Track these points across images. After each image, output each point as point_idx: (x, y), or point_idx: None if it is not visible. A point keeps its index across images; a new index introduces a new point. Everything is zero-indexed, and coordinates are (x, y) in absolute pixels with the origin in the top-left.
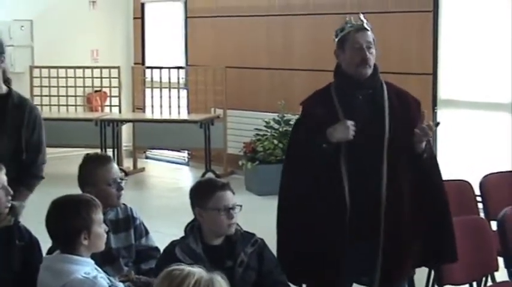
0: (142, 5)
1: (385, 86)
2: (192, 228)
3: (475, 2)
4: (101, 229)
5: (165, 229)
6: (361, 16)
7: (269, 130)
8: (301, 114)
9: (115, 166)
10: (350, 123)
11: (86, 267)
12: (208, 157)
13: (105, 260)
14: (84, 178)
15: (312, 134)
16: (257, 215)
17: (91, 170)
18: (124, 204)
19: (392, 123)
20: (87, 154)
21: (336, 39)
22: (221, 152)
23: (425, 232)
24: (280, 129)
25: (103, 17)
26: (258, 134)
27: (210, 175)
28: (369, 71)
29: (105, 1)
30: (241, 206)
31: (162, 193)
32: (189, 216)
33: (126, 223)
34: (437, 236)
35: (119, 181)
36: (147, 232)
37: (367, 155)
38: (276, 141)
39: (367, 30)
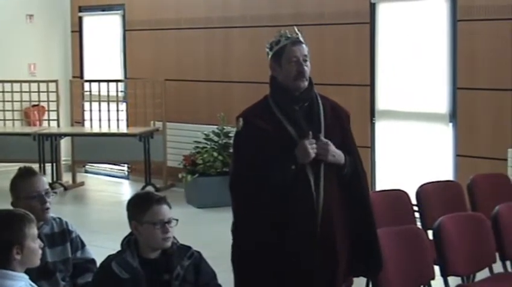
0: (80, 18)
1: (320, 99)
2: (128, 242)
3: (411, 13)
4: (34, 244)
5: (105, 243)
6: (296, 29)
7: (209, 143)
8: (242, 127)
9: (40, 179)
10: (307, 143)
11: (20, 282)
12: (148, 170)
13: (41, 274)
14: (11, 192)
15: (274, 156)
16: (197, 228)
17: (15, 184)
18: (59, 218)
19: (327, 136)
20: (19, 168)
21: (271, 52)
22: (161, 165)
23: (352, 244)
24: (220, 142)
25: (40, 30)
26: (197, 147)
27: (149, 188)
28: (306, 84)
29: (42, 14)
30: (177, 220)
31: (102, 207)
32: (129, 230)
33: (62, 237)
34: (363, 248)
35: (43, 194)
36: (83, 245)
37: (309, 168)
38: (215, 154)
39: (303, 43)
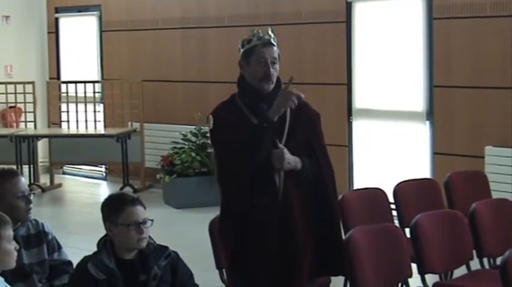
0: (57, 19)
1: None
2: (104, 243)
3: (388, 12)
4: (10, 246)
5: (83, 244)
6: (269, 30)
7: (186, 143)
8: (213, 124)
9: (22, 179)
10: (285, 151)
11: None
12: (126, 171)
13: (17, 276)
14: None
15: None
16: (175, 228)
17: None
18: (35, 219)
19: (290, 134)
20: (2, 169)
21: (242, 50)
22: (139, 166)
23: (315, 247)
24: (198, 142)
25: (17, 31)
26: (175, 147)
27: (127, 189)
28: (271, 86)
29: (18, 16)
30: (152, 220)
31: (80, 208)
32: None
33: (38, 238)
34: (326, 251)
35: (27, 194)
36: (59, 247)
37: (269, 166)
38: (193, 154)
39: (274, 45)
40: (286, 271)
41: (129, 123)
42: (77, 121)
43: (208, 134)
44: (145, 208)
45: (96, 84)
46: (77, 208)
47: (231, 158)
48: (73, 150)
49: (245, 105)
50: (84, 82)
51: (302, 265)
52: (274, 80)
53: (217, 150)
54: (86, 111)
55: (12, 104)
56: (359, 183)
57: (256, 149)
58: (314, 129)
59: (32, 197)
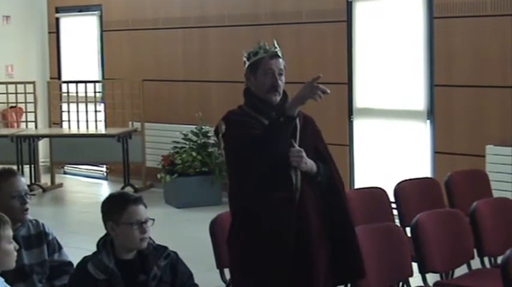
0: (57, 19)
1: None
2: (104, 243)
3: (388, 11)
4: (9, 246)
5: (84, 244)
6: (275, 42)
7: (187, 142)
8: (225, 127)
9: (20, 179)
10: (303, 151)
11: None
12: (127, 170)
13: (17, 277)
14: None
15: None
16: (176, 228)
17: None
18: (36, 220)
19: (301, 142)
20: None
21: (248, 62)
22: (140, 165)
23: (332, 252)
24: (199, 142)
25: (17, 31)
26: (176, 147)
27: (128, 189)
28: (278, 98)
29: (19, 16)
30: (153, 219)
31: (81, 208)
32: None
33: (38, 239)
34: (342, 256)
35: (23, 195)
36: (60, 247)
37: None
38: (194, 154)
39: (280, 57)
40: (301, 268)
41: (130, 123)
42: (78, 121)
43: (209, 134)
44: (146, 207)
45: (97, 84)
46: (77, 207)
47: (249, 153)
48: (74, 150)
49: (258, 114)
50: (85, 82)
51: (318, 262)
52: (281, 91)
53: (233, 149)
54: (86, 111)
55: (13, 104)
56: (360, 182)
57: (275, 143)
58: (321, 140)
59: (28, 198)
